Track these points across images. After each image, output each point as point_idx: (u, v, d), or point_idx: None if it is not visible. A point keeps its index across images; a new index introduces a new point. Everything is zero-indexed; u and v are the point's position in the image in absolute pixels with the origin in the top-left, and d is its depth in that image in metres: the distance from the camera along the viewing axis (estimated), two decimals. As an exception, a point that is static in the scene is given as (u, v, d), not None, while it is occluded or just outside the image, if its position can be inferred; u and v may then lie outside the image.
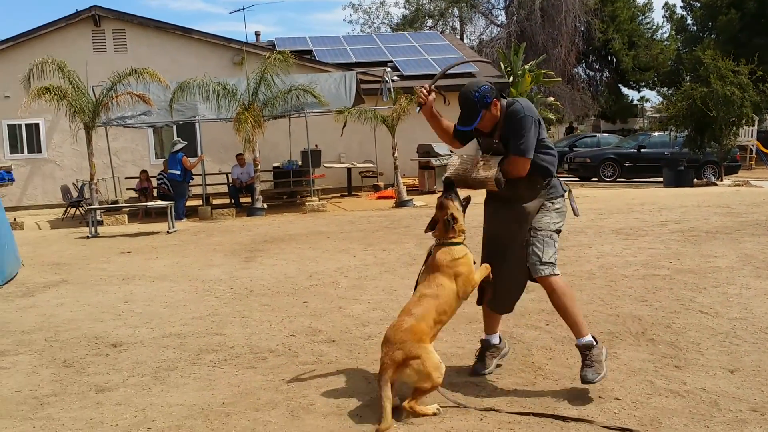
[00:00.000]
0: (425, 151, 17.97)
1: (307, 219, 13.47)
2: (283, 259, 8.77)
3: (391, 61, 21.84)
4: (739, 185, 20.64)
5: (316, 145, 17.22)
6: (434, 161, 17.71)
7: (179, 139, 16.24)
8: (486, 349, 4.54)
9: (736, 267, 6.94)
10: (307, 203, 15.26)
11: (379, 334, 5.31)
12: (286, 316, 5.99)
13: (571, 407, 3.84)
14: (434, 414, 3.84)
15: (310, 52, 22.78)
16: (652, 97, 58.64)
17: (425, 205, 14.99)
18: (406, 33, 29.67)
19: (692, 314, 5.41)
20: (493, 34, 41.38)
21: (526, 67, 21.90)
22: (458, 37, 40.05)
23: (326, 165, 18.06)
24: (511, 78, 21.25)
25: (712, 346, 4.69)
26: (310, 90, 15.31)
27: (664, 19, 43.71)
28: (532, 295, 6.27)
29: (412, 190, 17.46)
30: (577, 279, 6.83)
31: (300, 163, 17.14)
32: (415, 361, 3.80)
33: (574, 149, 28.44)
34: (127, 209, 15.53)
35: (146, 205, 14.93)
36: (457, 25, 44.24)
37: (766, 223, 9.46)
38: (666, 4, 42.27)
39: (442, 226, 4.14)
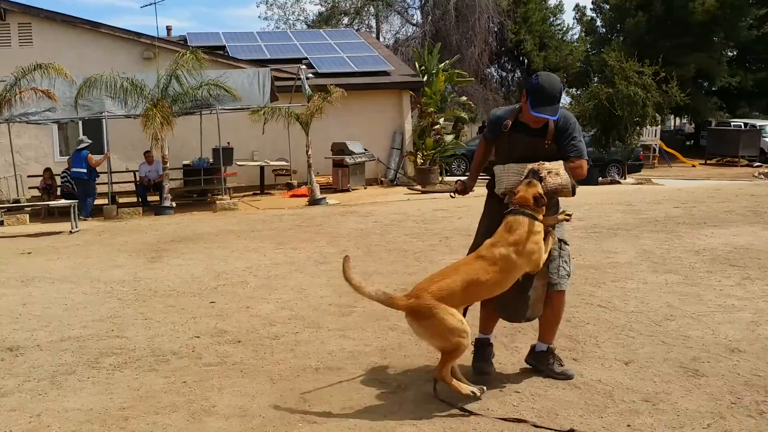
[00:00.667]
0: (339, 149, 17.95)
1: (217, 218, 13.24)
2: (191, 259, 8.59)
3: (306, 59, 21.66)
4: (641, 183, 21.46)
5: (228, 143, 16.92)
6: (348, 159, 17.71)
7: (84, 137, 15.71)
8: (486, 346, 4.38)
9: (635, 262, 7.21)
10: (217, 202, 14.99)
11: (287, 333, 5.30)
12: (190, 317, 5.87)
13: (472, 401, 3.90)
14: (467, 395, 3.77)
15: (223, 47, 22.35)
16: (563, 97, 60.25)
17: (339, 203, 14.98)
18: (321, 30, 29.49)
19: (591, 308, 5.59)
20: (409, 33, 41.67)
21: (441, 66, 22.12)
22: (374, 35, 40.14)
23: (238, 163, 17.77)
24: (426, 77, 21.41)
25: (609, 339, 4.85)
26: (222, 84, 15.04)
27: (575, 20, 44.98)
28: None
29: (326, 188, 17.40)
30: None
31: (211, 160, 16.84)
32: (424, 321, 3.77)
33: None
34: (29, 208, 14.90)
35: (48, 204, 14.37)
36: (373, 23, 44.36)
37: (665, 220, 9.85)
38: (577, 6, 43.51)
39: (532, 199, 3.92)
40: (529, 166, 4.01)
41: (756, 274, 6.52)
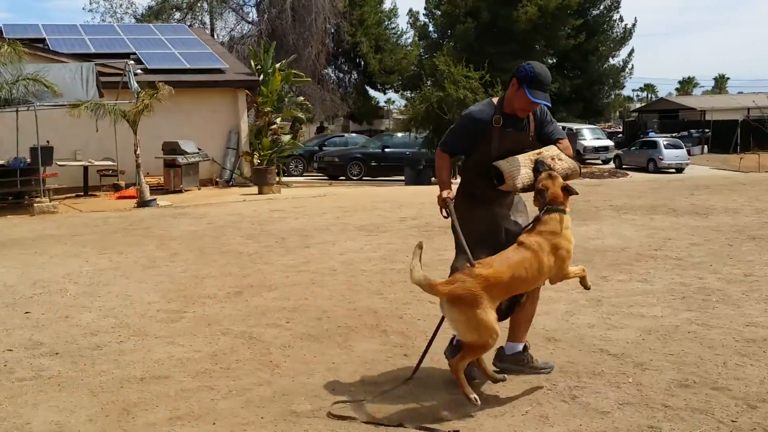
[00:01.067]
0: (171, 148, 17.33)
1: (35, 222, 12.31)
2: (3, 267, 7.90)
3: (135, 54, 20.74)
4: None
5: (48, 141, 15.84)
6: (181, 159, 17.14)
7: None
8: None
9: (463, 258, 7.48)
10: (35, 204, 13.95)
11: (110, 343, 5.03)
12: (2, 329, 5.40)
13: (305, 402, 3.88)
14: (469, 399, 3.64)
15: (42, 40, 20.90)
16: (397, 100, 61.88)
17: (170, 204, 14.45)
18: (151, 25, 28.39)
19: (422, 304, 5.72)
20: (245, 31, 41.06)
21: (277, 66, 21.98)
22: (208, 32, 39.17)
23: (59, 163, 16.63)
24: (262, 76, 21.16)
25: (439, 335, 4.97)
26: (41, 79, 14.03)
27: (409, 25, 46.25)
28: (274, 294, 6.31)
29: (157, 189, 16.73)
30: (319, 276, 6.96)
31: (28, 160, 15.66)
32: (462, 309, 3.63)
33: (324, 148, 29.17)
34: None
35: None
36: (207, 19, 43.29)
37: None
38: (410, 10, 44.78)
39: (562, 192, 3.89)
40: (531, 156, 3.96)
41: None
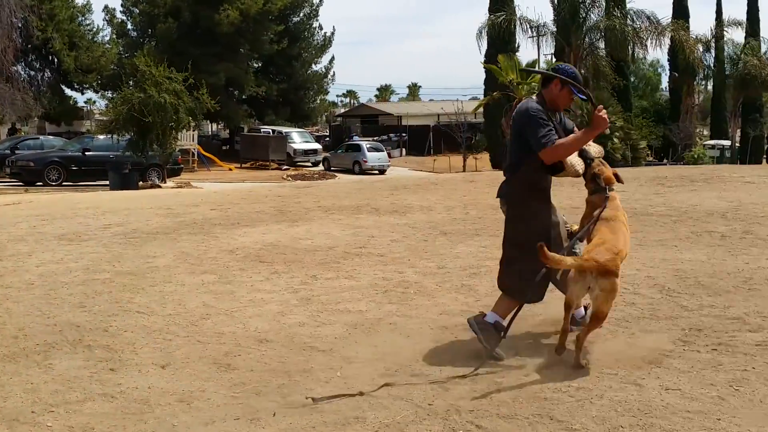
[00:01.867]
0: None
1: None
2: None
3: None
4: (181, 187, 21.98)
5: None
6: None
7: None
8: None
9: (173, 265, 7.32)
10: None
11: None
12: None
13: (1, 427, 3.57)
14: (582, 366, 4.05)
15: None
16: (98, 100, 58.33)
17: None
18: None
19: (130, 315, 5.52)
20: None
21: (-48, 60, 19.59)
22: None
23: None
24: (-66, 72, 18.72)
25: (147, 345, 4.85)
26: None
27: (105, 22, 43.68)
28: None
29: None
30: (14, 291, 6.37)
31: None
32: (613, 278, 3.96)
33: (17, 152, 26.68)
34: None
35: None
36: None
37: (203, 222, 10.21)
38: (106, 7, 42.35)
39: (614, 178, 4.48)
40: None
41: (282, 268, 7.14)
